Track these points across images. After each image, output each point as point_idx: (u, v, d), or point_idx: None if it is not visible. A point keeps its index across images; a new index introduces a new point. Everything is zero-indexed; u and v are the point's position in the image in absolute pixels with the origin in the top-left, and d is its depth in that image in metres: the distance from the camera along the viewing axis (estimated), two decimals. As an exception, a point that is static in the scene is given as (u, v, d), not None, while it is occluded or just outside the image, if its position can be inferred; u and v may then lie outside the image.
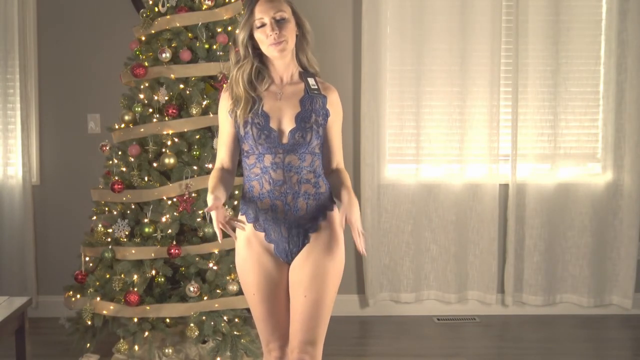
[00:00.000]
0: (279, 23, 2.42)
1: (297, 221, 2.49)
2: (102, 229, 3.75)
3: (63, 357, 3.99)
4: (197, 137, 3.75)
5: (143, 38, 3.88)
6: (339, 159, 2.59)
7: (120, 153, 3.82)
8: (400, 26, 4.71)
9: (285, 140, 2.47)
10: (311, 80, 2.52)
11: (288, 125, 2.48)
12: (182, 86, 3.77)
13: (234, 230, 2.39)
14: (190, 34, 3.82)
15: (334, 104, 2.55)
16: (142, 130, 3.76)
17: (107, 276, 3.71)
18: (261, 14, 2.43)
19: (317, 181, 2.51)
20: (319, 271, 2.46)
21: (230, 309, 3.65)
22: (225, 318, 3.64)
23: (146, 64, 3.79)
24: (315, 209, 2.49)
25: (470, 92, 4.71)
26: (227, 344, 3.64)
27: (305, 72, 2.55)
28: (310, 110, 2.49)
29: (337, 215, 2.53)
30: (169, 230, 3.66)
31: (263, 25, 2.44)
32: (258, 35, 2.46)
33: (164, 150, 3.74)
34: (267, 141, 2.47)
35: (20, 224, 4.66)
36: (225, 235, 3.64)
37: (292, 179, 2.46)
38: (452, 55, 4.71)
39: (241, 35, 2.49)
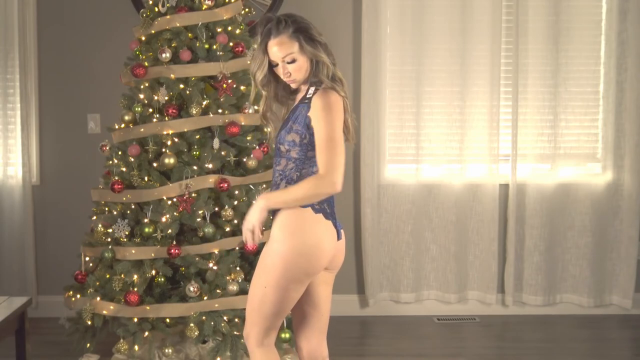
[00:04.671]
0: (290, 64, 2.57)
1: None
2: (102, 229, 3.74)
3: (63, 357, 3.99)
4: (197, 137, 3.74)
5: (143, 38, 3.88)
6: (320, 163, 2.52)
7: (120, 153, 3.82)
8: (400, 26, 4.71)
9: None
10: (311, 90, 2.59)
11: None
12: (182, 86, 3.76)
13: None
14: (190, 34, 3.82)
15: (313, 108, 2.54)
16: (142, 130, 3.75)
17: (107, 276, 3.71)
18: (273, 58, 2.58)
19: (281, 184, 2.60)
20: (260, 263, 2.61)
21: (230, 309, 3.64)
22: (225, 318, 3.64)
23: (146, 64, 3.79)
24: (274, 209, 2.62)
25: (470, 92, 4.71)
26: (227, 344, 3.64)
27: (314, 82, 2.60)
28: (289, 119, 2.61)
29: (286, 215, 2.55)
30: (169, 230, 3.66)
31: (277, 65, 2.60)
32: (275, 70, 2.63)
33: (164, 150, 3.74)
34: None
35: (20, 224, 4.66)
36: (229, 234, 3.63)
37: (273, 182, 2.66)
38: (452, 55, 4.71)
39: (259, 74, 2.63)
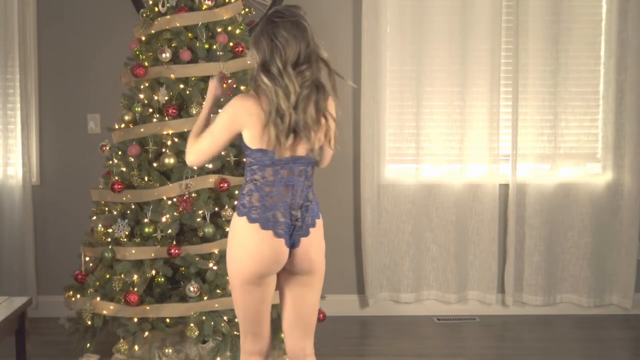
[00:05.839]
0: None
1: None
2: (102, 229, 3.75)
3: (63, 357, 3.99)
4: (197, 137, 3.74)
5: (143, 38, 3.88)
6: None
7: (120, 153, 3.82)
8: (400, 26, 4.72)
9: None
10: None
11: None
12: (182, 86, 3.77)
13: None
14: (190, 34, 3.82)
15: None
16: (142, 130, 3.76)
17: (107, 276, 3.71)
18: None
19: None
20: None
21: (230, 309, 3.64)
22: (225, 318, 3.64)
23: (146, 64, 3.79)
24: None
25: (470, 92, 4.71)
26: (227, 344, 3.64)
27: None
28: None
29: (235, 218, 2.63)
30: (169, 230, 3.66)
31: None
32: None
33: (164, 150, 3.74)
34: None
35: (20, 224, 4.66)
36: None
37: None
38: (452, 55, 4.71)
39: None
